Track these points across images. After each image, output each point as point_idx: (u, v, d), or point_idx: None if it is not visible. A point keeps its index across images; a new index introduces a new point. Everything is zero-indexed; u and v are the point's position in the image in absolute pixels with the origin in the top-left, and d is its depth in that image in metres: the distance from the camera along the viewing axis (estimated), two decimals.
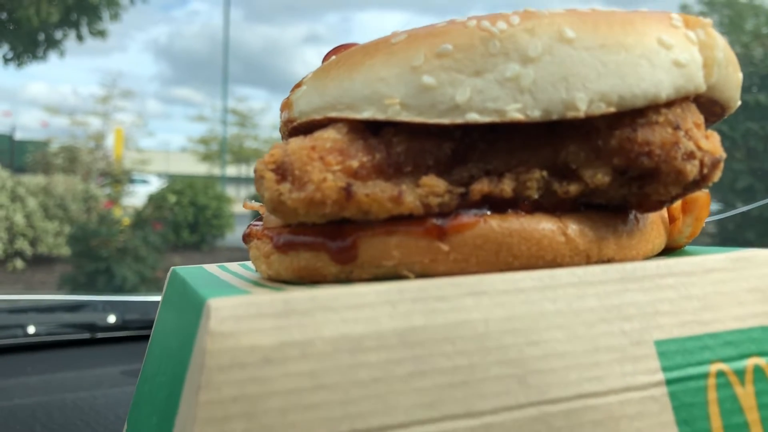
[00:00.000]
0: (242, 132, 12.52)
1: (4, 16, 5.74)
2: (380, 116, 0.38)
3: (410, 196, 0.38)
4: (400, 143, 0.39)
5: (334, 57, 0.43)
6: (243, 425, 0.32)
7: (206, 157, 12.02)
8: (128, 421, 0.55)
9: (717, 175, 0.40)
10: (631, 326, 0.39)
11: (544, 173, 0.39)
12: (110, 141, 8.99)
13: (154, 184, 8.71)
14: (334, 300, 0.35)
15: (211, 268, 0.57)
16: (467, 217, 0.38)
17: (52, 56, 6.60)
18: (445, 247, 0.38)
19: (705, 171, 0.39)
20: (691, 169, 0.38)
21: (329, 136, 0.39)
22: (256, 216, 0.53)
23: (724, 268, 0.42)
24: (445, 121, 0.37)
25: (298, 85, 0.45)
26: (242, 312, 0.33)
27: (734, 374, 0.40)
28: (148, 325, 1.29)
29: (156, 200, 7.25)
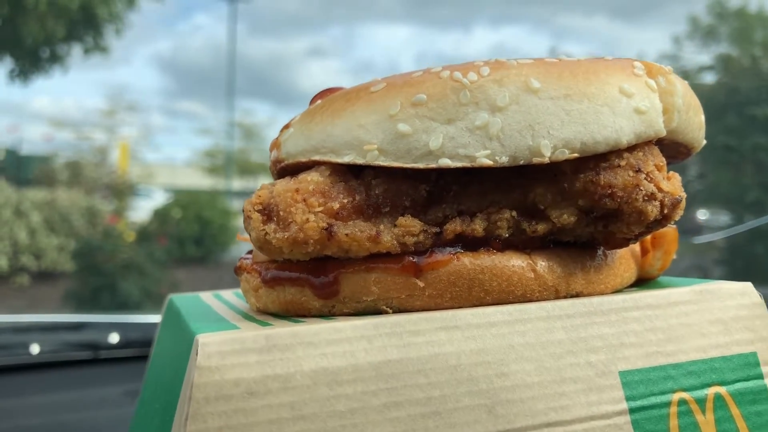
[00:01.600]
0: (248, 145, 12.58)
1: (8, 32, 5.80)
2: (360, 161, 0.40)
3: (387, 235, 0.40)
4: (378, 185, 0.41)
5: (319, 101, 0.46)
6: None
7: (212, 171, 12.07)
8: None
9: (678, 214, 0.42)
10: (597, 358, 0.41)
11: (514, 213, 0.42)
12: (115, 155, 9.04)
13: (159, 198, 8.75)
14: (313, 336, 0.37)
15: (207, 296, 0.59)
16: (441, 255, 0.41)
17: (57, 71, 6.66)
18: (420, 284, 0.41)
19: (665, 211, 0.41)
20: (652, 210, 0.41)
21: (312, 178, 0.42)
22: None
23: (688, 301, 0.44)
24: (420, 165, 0.40)
25: (286, 126, 0.48)
26: (227, 348, 0.35)
27: (695, 402, 0.42)
28: (151, 344, 1.31)
29: (161, 215, 7.27)
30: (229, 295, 0.61)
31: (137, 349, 1.30)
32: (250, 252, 0.52)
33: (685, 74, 5.89)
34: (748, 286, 0.46)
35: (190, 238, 7.39)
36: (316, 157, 0.43)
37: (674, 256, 0.51)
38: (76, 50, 6.40)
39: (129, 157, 9.38)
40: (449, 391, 0.38)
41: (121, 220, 6.71)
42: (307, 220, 0.40)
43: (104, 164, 8.38)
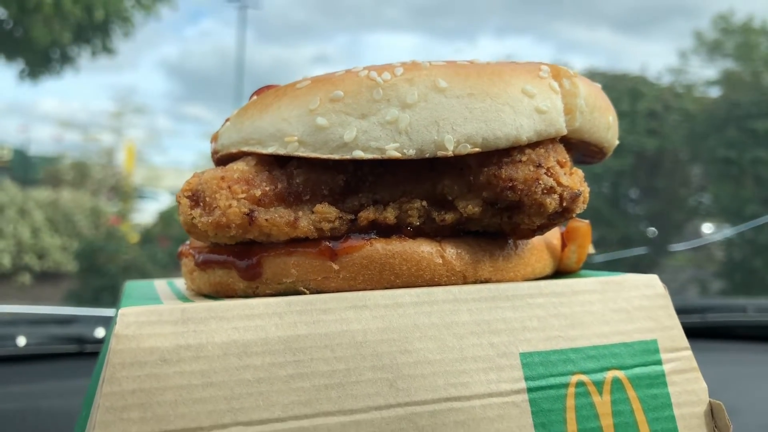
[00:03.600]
0: None
1: (19, 33, 5.86)
2: (281, 151, 0.44)
3: (305, 221, 0.43)
4: (299, 175, 0.44)
5: (255, 97, 0.49)
6: (139, 414, 0.37)
7: None
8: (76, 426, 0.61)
9: (578, 208, 0.45)
10: (499, 339, 0.44)
11: (424, 203, 0.45)
12: (121, 157, 9.10)
13: (165, 201, 8.79)
14: (227, 311, 0.40)
15: (159, 283, 0.62)
16: (355, 241, 0.44)
17: (68, 72, 6.72)
18: (335, 267, 0.44)
19: (565, 204, 0.44)
20: (551, 202, 0.44)
21: (238, 167, 0.45)
22: None
23: (593, 290, 0.47)
24: (336, 156, 0.43)
25: (226, 121, 0.51)
26: (144, 318, 0.39)
27: (593, 384, 0.45)
28: None
29: (165, 217, 7.32)
30: (181, 282, 0.64)
31: None
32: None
33: (691, 88, 5.91)
34: (654, 278, 0.49)
35: None
36: (245, 148, 0.46)
37: (592, 250, 0.54)
38: (85, 52, 6.46)
39: (135, 159, 9.43)
40: (353, 365, 0.41)
41: (125, 221, 6.76)
42: (230, 205, 0.43)
43: (110, 166, 8.45)
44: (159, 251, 5.63)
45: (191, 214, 0.44)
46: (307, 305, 0.41)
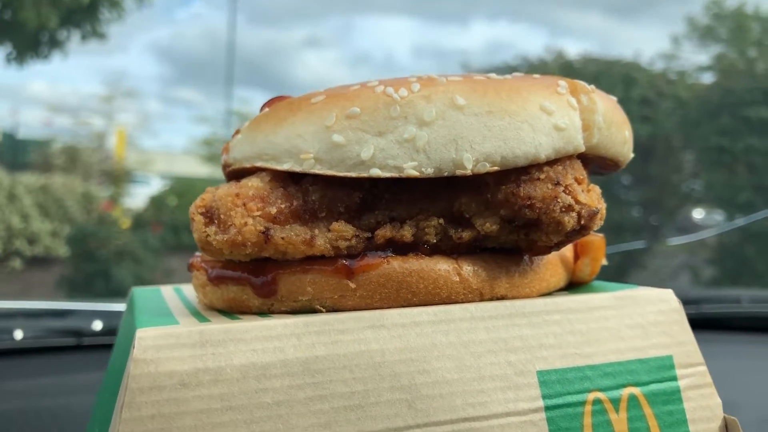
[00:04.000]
0: None
1: (7, 15, 5.78)
2: (297, 168, 0.43)
3: (321, 239, 0.43)
4: (315, 192, 0.44)
5: (267, 109, 0.49)
6: None
7: (209, 159, 12.06)
8: (87, 429, 0.60)
9: (596, 225, 0.45)
10: (516, 357, 0.44)
11: (441, 221, 0.44)
12: (112, 141, 9.04)
13: (156, 186, 8.75)
14: (245, 332, 0.40)
15: (167, 290, 0.62)
16: (372, 259, 0.44)
17: (56, 56, 6.65)
18: (352, 285, 0.43)
19: (582, 221, 0.44)
20: (569, 220, 0.43)
21: (253, 184, 0.44)
22: None
23: (608, 306, 0.47)
24: (352, 174, 0.42)
25: (237, 132, 0.50)
26: (162, 342, 0.38)
27: (610, 402, 0.45)
28: None
29: (157, 202, 7.29)
30: (189, 289, 0.64)
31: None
32: None
33: (683, 74, 5.91)
34: (668, 292, 0.49)
35: (185, 226, 7.40)
36: (259, 164, 0.45)
37: (604, 262, 0.54)
38: (74, 36, 6.39)
39: (126, 143, 9.37)
40: (372, 386, 0.40)
41: (116, 206, 6.73)
42: (246, 223, 0.42)
43: (101, 150, 8.39)
44: (151, 236, 5.61)
45: (206, 231, 0.43)
46: (324, 325, 0.41)
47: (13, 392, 1.01)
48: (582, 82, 0.46)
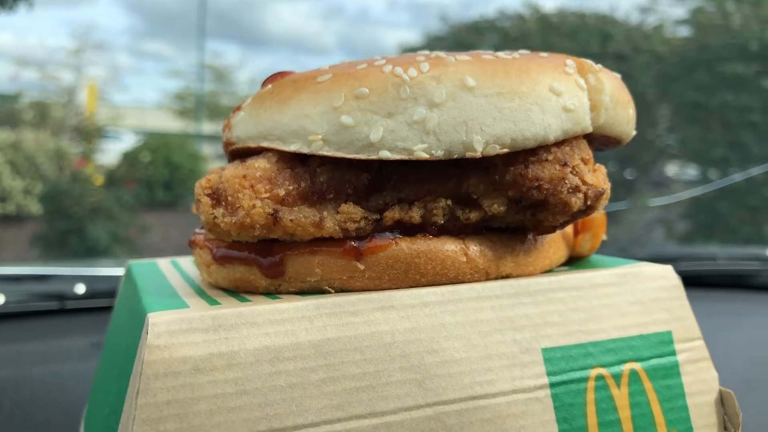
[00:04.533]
0: (218, 88, 12.40)
1: None
2: (305, 150, 0.43)
3: (330, 221, 0.43)
4: (323, 173, 0.44)
5: (270, 86, 0.48)
6: (175, 425, 0.37)
7: (182, 114, 11.90)
8: (89, 401, 0.61)
9: (601, 205, 0.45)
10: (522, 336, 0.44)
11: (449, 202, 0.44)
12: (83, 96, 8.87)
13: (128, 141, 8.62)
14: (257, 316, 0.40)
15: (164, 265, 0.62)
16: (380, 240, 0.44)
17: (21, 8, 6.46)
18: (361, 266, 0.43)
19: (589, 202, 0.44)
20: (576, 201, 0.44)
21: (260, 165, 0.44)
22: None
23: (611, 283, 0.48)
24: (361, 156, 0.42)
25: (237, 108, 0.50)
26: (176, 327, 0.38)
27: (612, 377, 0.46)
28: (115, 293, 1.32)
29: (129, 158, 7.20)
30: (187, 263, 0.63)
31: (104, 299, 1.32)
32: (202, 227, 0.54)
33: (660, 28, 5.90)
34: (668, 269, 0.50)
35: (159, 183, 7.34)
36: (265, 144, 0.45)
37: (605, 238, 0.55)
38: None
39: (97, 98, 9.20)
40: (383, 367, 0.41)
41: (89, 163, 6.64)
42: (254, 205, 0.42)
43: (71, 105, 8.23)
44: (125, 193, 5.56)
45: (213, 213, 0.43)
46: (336, 308, 0.41)
47: (1, 359, 1.00)
48: (589, 62, 0.46)
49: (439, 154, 0.42)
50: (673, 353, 0.48)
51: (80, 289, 1.29)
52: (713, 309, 1.46)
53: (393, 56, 0.47)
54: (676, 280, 0.50)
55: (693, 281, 1.60)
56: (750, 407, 0.53)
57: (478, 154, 0.42)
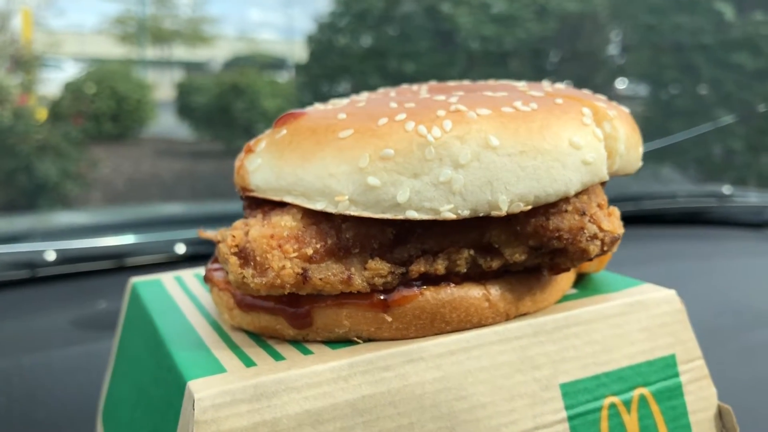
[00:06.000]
0: (160, 11, 11.95)
1: None
2: (331, 209, 0.43)
3: (358, 278, 0.44)
4: (348, 229, 0.44)
5: (284, 131, 0.48)
6: None
7: (123, 39, 11.47)
8: (104, 421, 0.62)
9: (616, 248, 0.47)
10: (541, 374, 0.47)
11: (471, 252, 0.46)
12: (17, 22, 8.46)
13: (70, 70, 8.31)
14: (295, 380, 0.41)
15: (172, 287, 0.62)
16: (407, 292, 0.45)
17: None
18: (388, 318, 0.45)
19: (605, 248, 0.46)
20: (594, 249, 0.45)
21: (286, 224, 0.44)
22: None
23: (620, 313, 0.50)
24: (388, 216, 0.43)
25: (249, 150, 0.49)
26: (220, 401, 0.39)
27: (623, 404, 0.49)
28: (88, 257, 1.31)
29: (73, 90, 6.95)
30: (191, 279, 0.64)
31: (74, 264, 1.30)
32: (215, 260, 0.55)
33: None
34: (672, 294, 0.53)
35: (107, 115, 7.14)
36: (288, 199, 0.45)
37: (609, 256, 0.57)
38: None
39: (32, 24, 8.78)
40: (416, 418, 0.43)
41: (30, 95, 6.40)
42: (284, 267, 0.43)
43: (5, 32, 7.86)
44: (73, 129, 5.41)
45: (242, 273, 0.44)
46: (368, 365, 0.43)
47: None
48: (604, 108, 0.47)
49: (465, 213, 0.43)
50: (676, 375, 0.51)
51: (50, 255, 1.27)
52: (676, 245, 1.53)
53: (405, 98, 0.47)
54: (679, 305, 0.52)
55: (656, 219, 1.67)
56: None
57: (503, 213, 0.43)
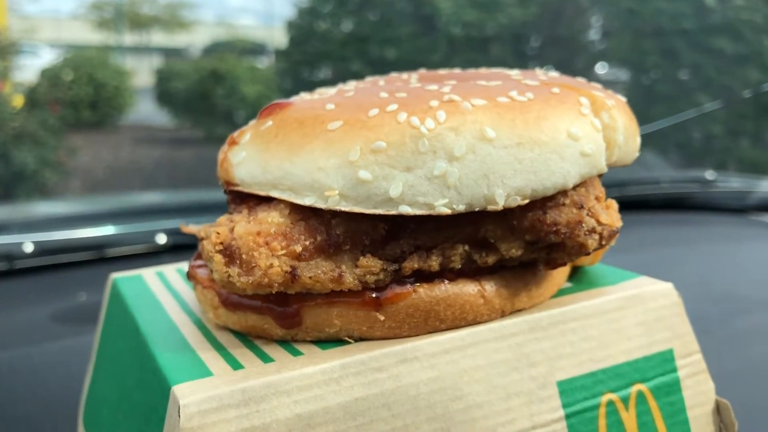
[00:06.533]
0: None
1: None
2: (321, 204, 0.42)
3: (350, 276, 0.42)
4: (338, 225, 0.43)
5: (270, 122, 0.46)
6: None
7: (101, 25, 11.32)
8: (85, 422, 0.60)
9: (614, 242, 0.46)
10: (538, 371, 0.45)
11: (466, 247, 0.44)
12: None
13: (46, 57, 8.18)
14: (285, 384, 0.40)
15: (153, 281, 0.60)
16: (399, 290, 0.43)
17: None
18: (381, 317, 0.43)
19: (603, 242, 0.45)
20: (592, 243, 0.44)
21: (273, 220, 0.42)
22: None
23: (617, 308, 0.49)
24: (380, 211, 0.41)
25: (233, 143, 0.47)
26: (207, 406, 0.38)
27: (621, 401, 0.47)
28: (67, 249, 1.29)
29: (50, 77, 6.84)
30: (173, 274, 0.62)
31: (53, 256, 1.28)
32: (198, 256, 0.53)
33: None
34: (669, 287, 0.51)
35: (84, 102, 7.04)
36: (275, 193, 0.43)
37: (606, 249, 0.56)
38: None
39: (6, 9, 8.64)
40: (410, 420, 0.42)
41: (6, 82, 6.30)
42: (271, 265, 0.41)
43: None
44: (50, 116, 5.33)
45: (227, 272, 0.42)
46: (361, 366, 0.41)
47: None
48: (601, 97, 0.46)
49: (460, 208, 0.41)
50: (674, 370, 0.50)
51: (28, 247, 1.25)
52: (659, 235, 1.53)
53: (396, 87, 0.45)
54: (676, 298, 0.51)
55: (640, 205, 1.67)
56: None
57: (500, 207, 0.41)
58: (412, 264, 0.43)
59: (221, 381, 0.39)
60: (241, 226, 0.42)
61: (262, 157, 0.44)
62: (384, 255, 0.43)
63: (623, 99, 0.49)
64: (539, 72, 0.53)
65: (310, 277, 0.42)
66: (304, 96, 0.54)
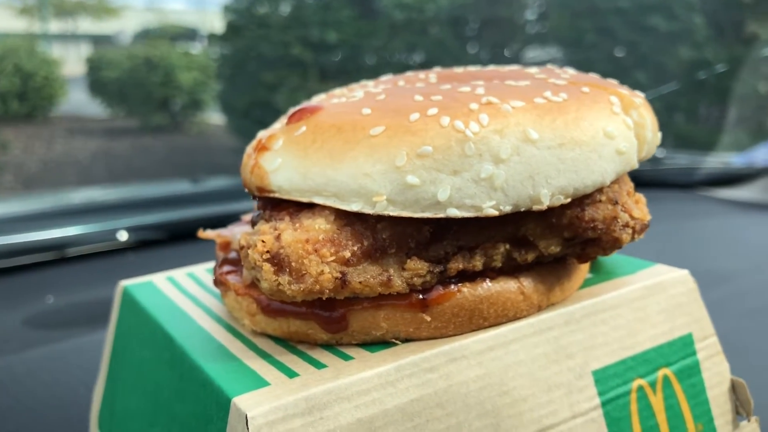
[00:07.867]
0: None
1: None
2: (368, 210, 0.42)
3: (398, 279, 0.43)
4: (384, 229, 0.43)
5: (304, 127, 0.46)
6: None
7: (23, 12, 10.90)
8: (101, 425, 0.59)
9: (642, 236, 0.48)
10: (575, 362, 0.47)
11: (507, 246, 0.45)
12: None
13: None
14: (345, 389, 0.40)
15: (166, 287, 0.59)
16: (445, 290, 0.44)
17: None
18: (427, 318, 0.44)
19: (636, 236, 0.46)
20: (626, 237, 0.46)
21: (320, 227, 0.43)
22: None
23: (642, 297, 0.51)
24: (428, 215, 0.42)
25: (264, 148, 0.47)
26: (273, 417, 0.38)
27: (649, 386, 0.49)
28: (34, 251, 1.26)
29: None
30: (185, 279, 0.61)
31: (20, 257, 1.25)
32: (224, 262, 0.52)
33: None
34: (685, 273, 0.54)
35: (12, 93, 6.79)
36: (318, 200, 0.43)
37: None
38: None
39: None
40: (462, 417, 0.43)
41: None
42: (322, 272, 0.41)
43: None
44: None
45: (277, 280, 0.42)
46: (413, 367, 0.42)
47: None
48: (629, 96, 0.47)
49: (507, 209, 0.42)
50: (694, 353, 0.52)
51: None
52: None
53: (427, 90, 0.46)
54: (692, 284, 0.53)
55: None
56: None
57: (545, 207, 0.42)
58: (457, 264, 0.44)
59: (281, 390, 0.40)
60: (288, 234, 0.42)
61: (301, 163, 0.44)
62: (428, 257, 0.44)
63: (642, 95, 0.51)
64: (556, 69, 0.54)
65: (360, 282, 0.42)
66: (322, 97, 0.54)
